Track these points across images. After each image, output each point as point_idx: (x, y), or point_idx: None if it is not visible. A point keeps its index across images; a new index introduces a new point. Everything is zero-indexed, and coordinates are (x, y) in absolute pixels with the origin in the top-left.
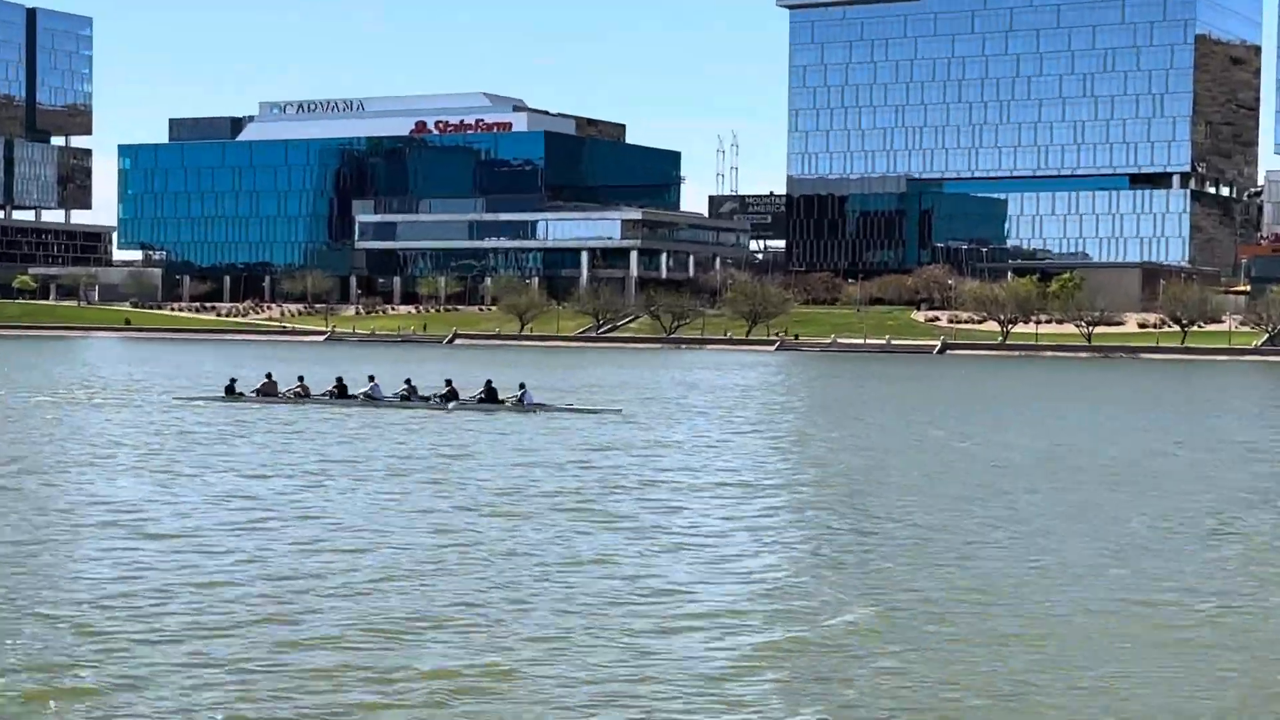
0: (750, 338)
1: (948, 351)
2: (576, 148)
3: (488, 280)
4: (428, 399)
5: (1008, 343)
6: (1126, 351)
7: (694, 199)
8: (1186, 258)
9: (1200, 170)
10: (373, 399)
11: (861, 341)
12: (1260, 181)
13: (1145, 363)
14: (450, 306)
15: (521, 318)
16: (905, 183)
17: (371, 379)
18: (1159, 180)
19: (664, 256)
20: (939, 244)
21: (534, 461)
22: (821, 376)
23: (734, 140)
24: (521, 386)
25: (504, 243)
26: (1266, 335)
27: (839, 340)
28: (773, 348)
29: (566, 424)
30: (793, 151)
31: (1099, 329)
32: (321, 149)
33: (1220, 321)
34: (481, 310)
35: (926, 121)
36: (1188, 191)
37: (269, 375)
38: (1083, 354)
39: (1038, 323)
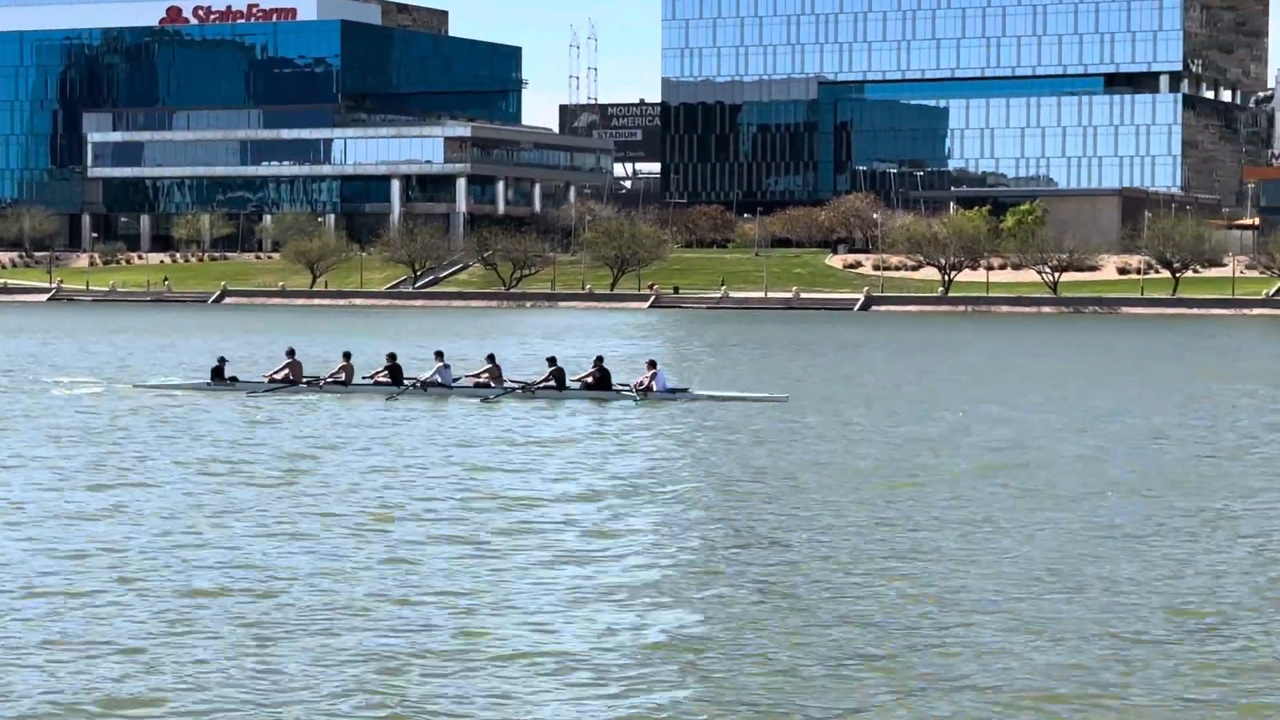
0: (616, 292)
1: (873, 307)
2: (383, 43)
3: (266, 219)
4: (521, 386)
5: (950, 295)
6: (1102, 305)
7: (540, 110)
8: (1178, 183)
9: (1195, 69)
10: (442, 385)
11: (762, 296)
12: (1270, 84)
13: (1126, 319)
14: (218, 254)
15: (313, 268)
16: (816, 87)
17: (440, 356)
18: (1142, 82)
19: (501, 186)
20: (860, 167)
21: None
22: (720, 345)
23: (592, 32)
24: (652, 365)
25: (288, 169)
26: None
27: (731, 294)
28: (645, 304)
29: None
30: (669, 47)
31: (1067, 275)
32: (40, 45)
33: (1221, 265)
34: (259, 258)
35: (844, 7)
36: (1179, 97)
37: (290, 352)
38: (1046, 308)
39: (989, 268)
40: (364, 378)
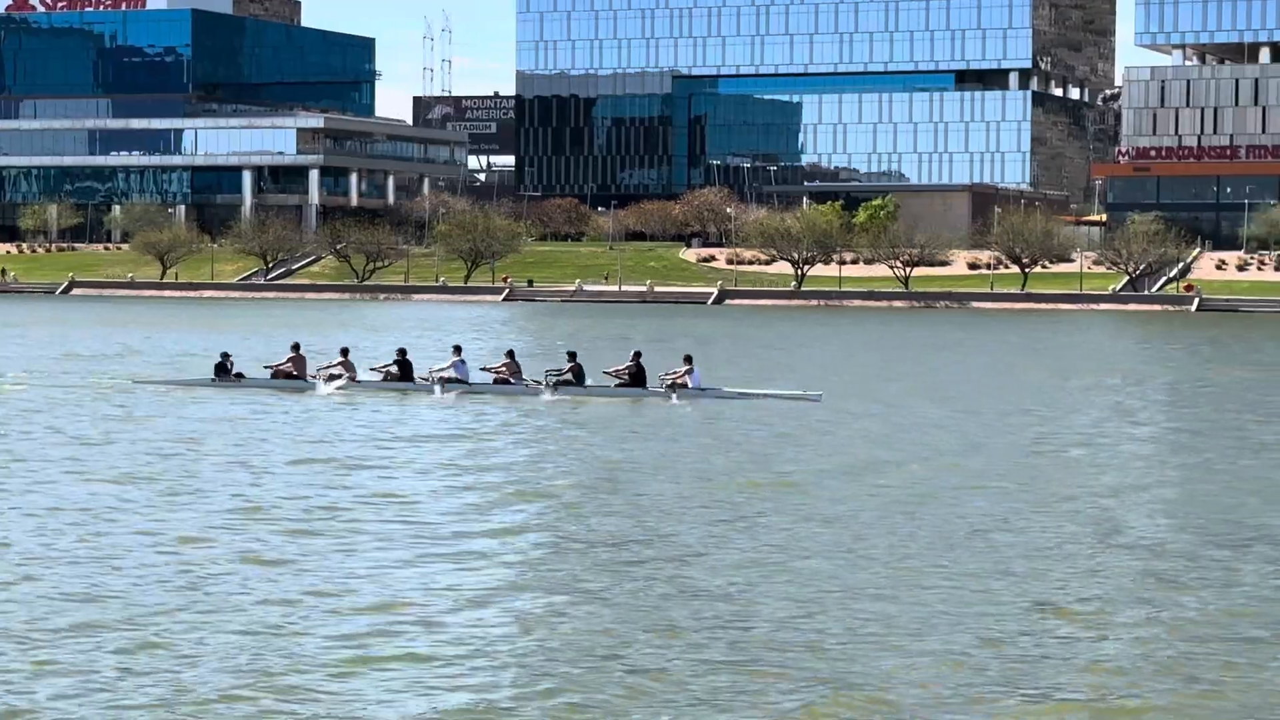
0: (470, 285)
1: (726, 301)
2: (235, 32)
3: (115, 209)
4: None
5: (803, 289)
6: (953, 299)
7: (393, 102)
8: (1027, 179)
9: (1044, 66)
10: (460, 381)
11: (615, 289)
12: (1118, 81)
13: (976, 314)
14: (65, 245)
15: (163, 259)
16: (670, 81)
17: (458, 350)
18: (992, 79)
19: (354, 177)
20: (714, 161)
21: None
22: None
23: (446, 24)
24: (688, 360)
25: (138, 159)
26: (1126, 277)
27: (585, 288)
28: (500, 297)
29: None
30: (523, 39)
31: (919, 270)
32: None
33: (1069, 260)
34: (108, 250)
35: (698, 1)
36: (1028, 93)
37: (295, 347)
38: (898, 303)
39: (841, 263)
40: (371, 370)
